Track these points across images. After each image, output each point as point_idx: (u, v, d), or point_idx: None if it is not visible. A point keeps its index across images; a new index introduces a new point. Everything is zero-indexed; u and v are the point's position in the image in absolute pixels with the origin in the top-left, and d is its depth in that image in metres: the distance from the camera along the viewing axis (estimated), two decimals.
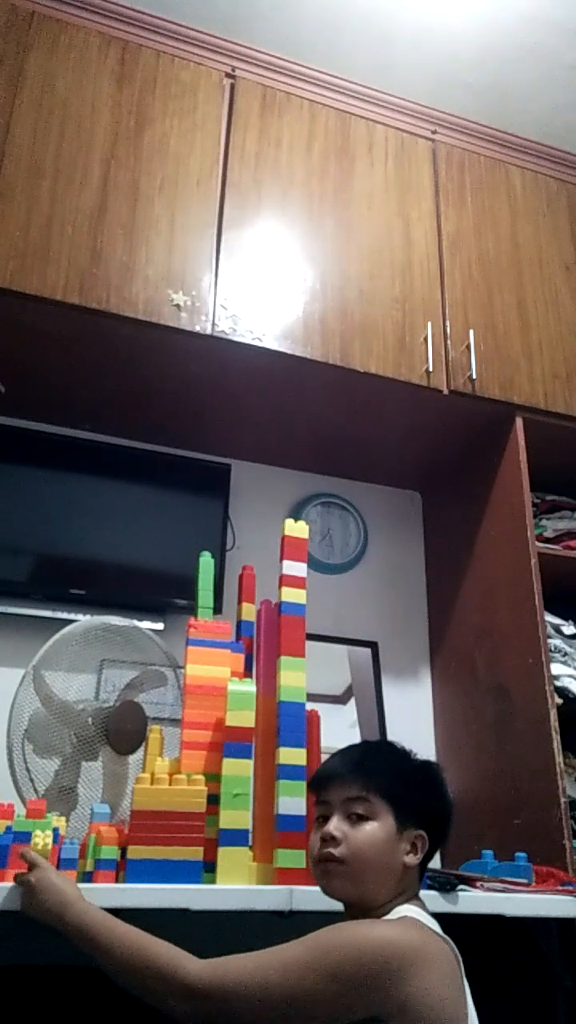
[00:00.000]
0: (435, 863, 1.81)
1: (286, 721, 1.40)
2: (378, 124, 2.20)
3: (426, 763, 1.13)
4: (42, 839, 1.13)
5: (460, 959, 0.97)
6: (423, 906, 1.06)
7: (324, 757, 1.52)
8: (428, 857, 1.09)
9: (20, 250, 1.70)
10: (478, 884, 1.42)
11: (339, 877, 1.03)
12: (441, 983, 0.90)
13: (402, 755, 1.14)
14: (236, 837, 1.30)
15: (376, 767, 1.10)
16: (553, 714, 1.71)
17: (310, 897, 1.19)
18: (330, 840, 1.04)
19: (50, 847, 1.13)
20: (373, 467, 2.36)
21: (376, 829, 1.05)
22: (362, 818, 1.05)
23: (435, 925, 1.01)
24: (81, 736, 1.50)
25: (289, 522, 1.57)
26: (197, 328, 1.78)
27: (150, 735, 1.43)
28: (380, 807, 1.06)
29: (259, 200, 1.97)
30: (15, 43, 1.87)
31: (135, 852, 1.22)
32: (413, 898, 1.06)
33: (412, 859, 1.05)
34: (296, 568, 1.53)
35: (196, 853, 1.25)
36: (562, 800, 1.63)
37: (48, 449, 2.03)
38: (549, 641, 1.84)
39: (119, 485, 2.05)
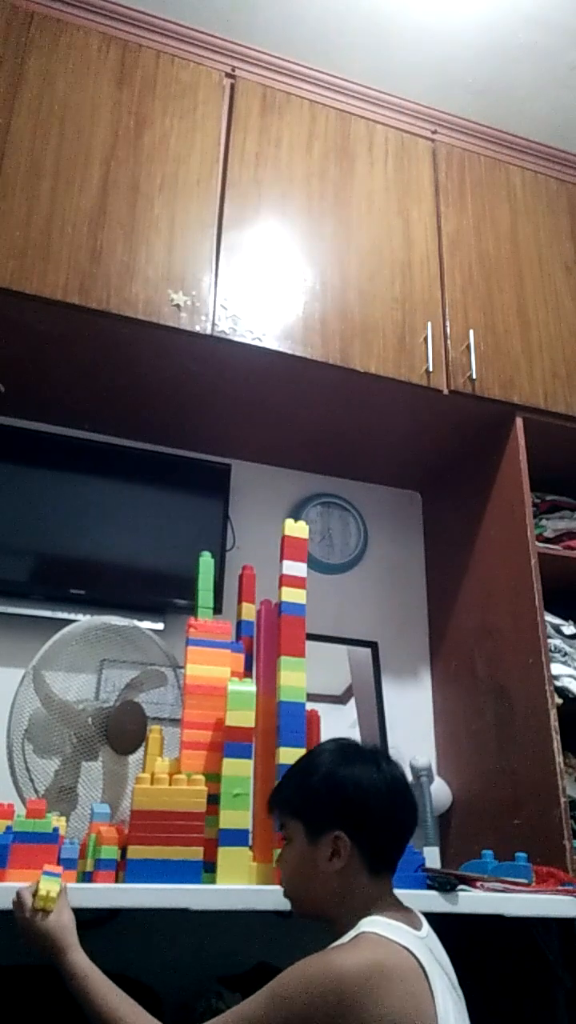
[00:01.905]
0: (435, 863, 1.82)
1: (286, 721, 1.41)
2: (378, 124, 2.20)
3: (330, 761, 1.11)
4: (45, 888, 1.07)
5: (424, 965, 0.95)
6: (393, 908, 1.05)
7: None
8: (378, 853, 1.07)
9: (20, 250, 1.70)
10: (478, 884, 1.42)
11: (291, 903, 1.10)
12: (402, 1001, 0.90)
13: (308, 765, 1.14)
14: (236, 837, 1.31)
15: (282, 790, 1.14)
16: (553, 714, 1.71)
17: None
18: None
19: (55, 894, 1.08)
20: (373, 467, 2.36)
21: (291, 849, 1.09)
22: (286, 843, 1.10)
23: (399, 933, 0.99)
24: (81, 736, 1.50)
25: (289, 522, 1.57)
26: (197, 328, 1.78)
27: (150, 735, 1.43)
28: (294, 826, 1.09)
29: (259, 200, 1.97)
30: (15, 43, 1.87)
31: (135, 852, 1.22)
32: (377, 903, 1.05)
33: (337, 863, 1.05)
34: (296, 568, 1.53)
35: (196, 853, 1.25)
36: (562, 800, 1.63)
37: (48, 449, 2.03)
38: (549, 641, 1.84)
39: (119, 485, 2.05)
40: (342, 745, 1.16)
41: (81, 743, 1.50)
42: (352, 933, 0.99)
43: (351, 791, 1.08)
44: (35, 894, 1.07)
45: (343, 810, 1.07)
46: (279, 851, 1.13)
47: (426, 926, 1.09)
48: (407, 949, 0.96)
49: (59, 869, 1.14)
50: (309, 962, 0.94)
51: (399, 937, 0.98)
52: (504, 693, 1.87)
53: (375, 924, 1.00)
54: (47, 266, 1.70)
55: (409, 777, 1.95)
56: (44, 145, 1.81)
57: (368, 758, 1.13)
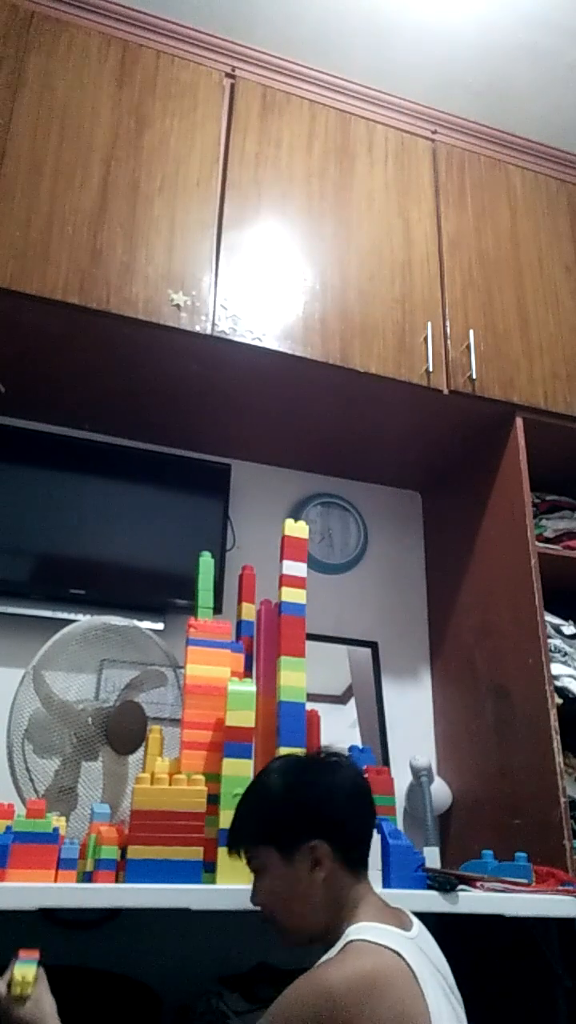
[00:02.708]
0: (435, 863, 1.82)
1: (286, 721, 1.41)
2: (378, 124, 2.20)
3: (282, 779, 1.12)
4: (20, 973, 1.00)
5: (413, 967, 0.95)
6: (380, 910, 1.05)
7: None
8: (354, 852, 1.08)
9: (20, 250, 1.70)
10: (478, 884, 1.42)
11: (278, 933, 1.09)
12: (393, 1009, 0.90)
13: (260, 791, 1.13)
14: None
15: (240, 823, 1.13)
16: (553, 714, 1.71)
17: None
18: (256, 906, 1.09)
19: (31, 979, 1.00)
20: (373, 467, 2.36)
21: (266, 879, 1.08)
22: (259, 872, 1.10)
23: (387, 936, 0.99)
24: (81, 736, 1.50)
25: (289, 522, 1.57)
26: (197, 328, 1.78)
27: (150, 735, 1.43)
28: (264, 854, 1.09)
29: (259, 200, 1.97)
30: (15, 43, 1.87)
31: (135, 852, 1.22)
32: (362, 907, 1.05)
33: (320, 872, 1.05)
34: (296, 568, 1.53)
35: (196, 853, 1.25)
36: (562, 800, 1.63)
37: (48, 449, 2.03)
38: (549, 641, 1.84)
39: (119, 485, 2.05)
40: (287, 761, 1.17)
41: (81, 743, 1.50)
42: (341, 943, 0.99)
43: (315, 798, 1.09)
44: (10, 982, 1.00)
45: (312, 818, 1.07)
46: (251, 890, 1.11)
47: (416, 926, 1.09)
48: (396, 953, 0.96)
49: (35, 954, 1.05)
50: (301, 982, 0.94)
51: (388, 941, 0.98)
52: (504, 693, 1.87)
53: (362, 931, 0.99)
54: (47, 266, 1.70)
55: (409, 777, 1.97)
56: (44, 145, 1.81)
57: (317, 764, 1.14)
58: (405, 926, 1.05)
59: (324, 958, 0.99)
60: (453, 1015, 0.98)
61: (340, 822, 1.08)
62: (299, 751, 1.31)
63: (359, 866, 1.09)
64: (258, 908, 1.10)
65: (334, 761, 1.15)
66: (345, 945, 0.98)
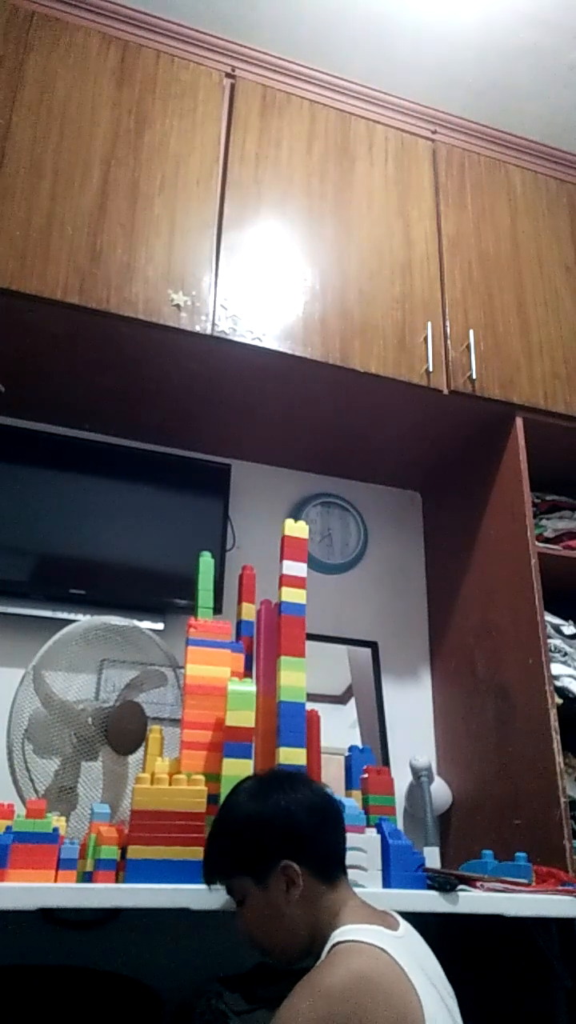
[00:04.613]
0: (435, 863, 1.82)
1: (286, 721, 1.41)
2: (378, 124, 2.20)
3: (244, 807, 1.12)
4: None
5: (402, 965, 0.95)
6: (363, 912, 1.05)
7: (324, 757, 1.52)
8: (326, 864, 1.08)
9: (20, 250, 1.70)
10: (478, 884, 1.42)
11: (269, 956, 1.11)
12: (389, 1003, 0.90)
13: (225, 822, 1.14)
14: None
15: (210, 858, 1.14)
16: (553, 714, 1.71)
17: None
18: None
19: None
20: (373, 467, 2.36)
21: (247, 907, 1.09)
22: (240, 902, 1.11)
23: (373, 935, 0.99)
24: (81, 736, 1.50)
25: (289, 522, 1.57)
26: (197, 328, 1.78)
27: (150, 735, 1.43)
28: (240, 883, 1.10)
29: (259, 200, 1.97)
30: (15, 43, 1.87)
31: (135, 852, 1.22)
32: (343, 911, 1.05)
33: (295, 891, 1.06)
34: (296, 568, 1.53)
35: (196, 853, 1.25)
36: (562, 800, 1.63)
37: (48, 449, 2.03)
38: (549, 641, 1.84)
39: (119, 485, 2.05)
40: (245, 787, 1.17)
41: (81, 743, 1.50)
42: (327, 947, 1.00)
43: (276, 819, 1.09)
44: None
45: (277, 840, 1.08)
46: (237, 920, 1.12)
47: (403, 926, 1.09)
48: (383, 951, 0.96)
49: None
50: (295, 994, 0.94)
51: (373, 939, 0.98)
52: (504, 693, 1.87)
53: (347, 932, 1.00)
54: (47, 266, 1.70)
55: (409, 777, 1.97)
56: (44, 145, 1.81)
57: (273, 784, 1.14)
58: (391, 926, 1.06)
59: (315, 967, 0.99)
60: (443, 1008, 0.98)
61: (304, 838, 1.08)
62: (301, 751, 1.31)
63: (334, 875, 1.10)
64: (246, 935, 1.11)
65: (289, 777, 1.16)
66: (331, 948, 0.98)
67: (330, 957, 0.97)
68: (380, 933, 1.01)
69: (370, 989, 0.90)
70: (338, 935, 1.00)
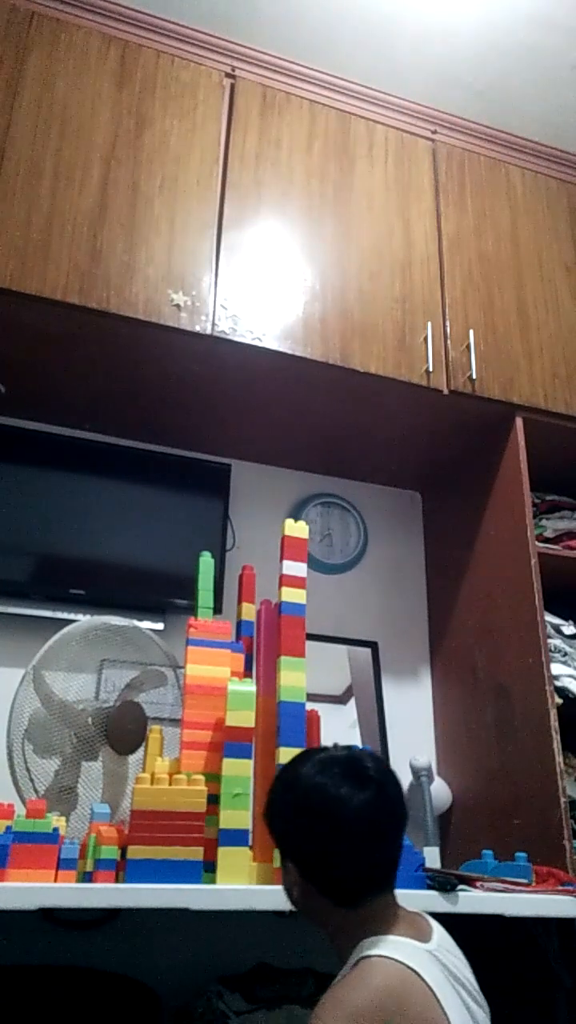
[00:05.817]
0: (435, 863, 1.82)
1: (286, 721, 1.41)
2: (378, 124, 2.20)
3: (297, 787, 1.05)
4: None
5: (430, 983, 0.93)
6: (396, 921, 1.02)
7: None
8: (339, 890, 1.01)
9: (20, 250, 1.70)
10: (478, 884, 1.42)
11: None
12: (416, 1023, 0.89)
13: (280, 787, 1.09)
14: (236, 837, 1.31)
15: (272, 808, 1.09)
16: (553, 714, 1.71)
17: None
18: None
19: None
20: (373, 467, 2.36)
21: (284, 867, 1.07)
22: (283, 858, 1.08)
23: (403, 951, 0.96)
24: (81, 736, 1.50)
25: (289, 522, 1.57)
26: (197, 328, 1.78)
27: (150, 735, 1.43)
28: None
29: (259, 200, 1.97)
30: (15, 43, 1.87)
31: (135, 852, 1.22)
32: (376, 919, 1.01)
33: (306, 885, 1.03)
34: (296, 568, 1.53)
35: (196, 853, 1.25)
36: (562, 800, 1.63)
37: (48, 449, 2.03)
38: (549, 641, 1.84)
39: (119, 485, 2.05)
40: (312, 768, 1.06)
41: (81, 743, 1.50)
42: (353, 958, 0.97)
43: (310, 837, 1.02)
44: None
45: (300, 855, 1.03)
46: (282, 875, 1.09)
47: (436, 934, 1.05)
48: (412, 970, 0.93)
49: None
50: (322, 1009, 0.91)
51: (402, 955, 0.95)
52: (504, 693, 1.87)
53: (376, 944, 0.97)
54: (47, 266, 1.70)
55: (409, 777, 1.97)
56: (44, 145, 1.81)
57: (336, 785, 1.03)
58: (423, 936, 1.02)
59: (339, 975, 0.97)
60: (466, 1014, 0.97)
61: (326, 871, 1.02)
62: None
63: (360, 900, 1.02)
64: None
65: (361, 774, 1.05)
66: (359, 961, 0.96)
67: (356, 971, 0.94)
68: (410, 948, 0.97)
69: (400, 1010, 0.89)
70: (368, 946, 0.97)
